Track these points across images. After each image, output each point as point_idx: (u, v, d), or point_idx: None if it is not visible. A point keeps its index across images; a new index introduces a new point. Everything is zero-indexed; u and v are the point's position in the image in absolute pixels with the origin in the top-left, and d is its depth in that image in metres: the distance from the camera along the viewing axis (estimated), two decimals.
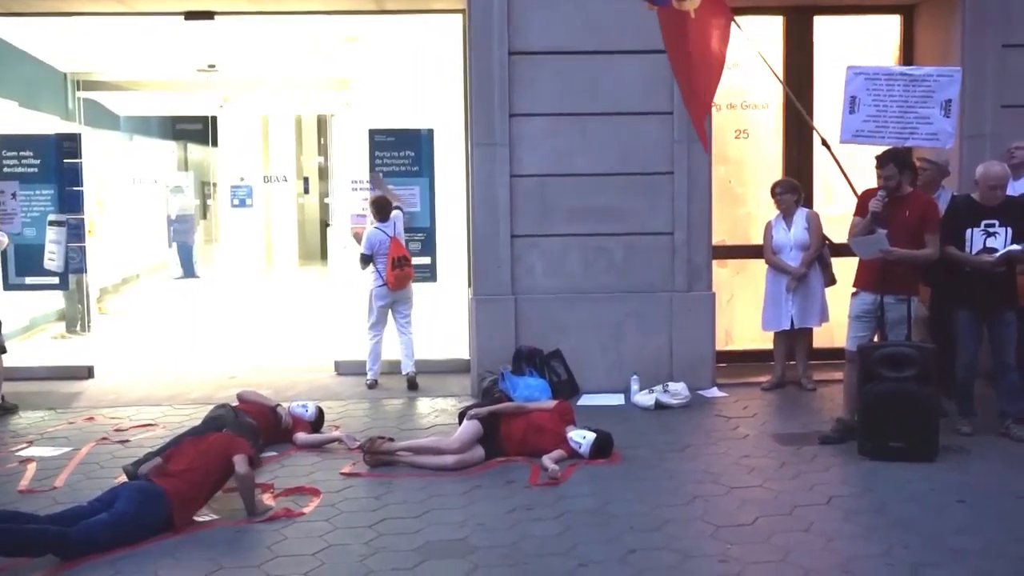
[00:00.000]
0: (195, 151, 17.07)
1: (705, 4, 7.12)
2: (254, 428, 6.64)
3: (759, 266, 8.64)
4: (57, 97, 11.85)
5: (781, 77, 8.13)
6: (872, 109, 7.09)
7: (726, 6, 7.14)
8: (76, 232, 9.28)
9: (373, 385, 8.60)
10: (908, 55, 9.10)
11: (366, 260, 8.57)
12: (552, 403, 6.92)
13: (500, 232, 8.27)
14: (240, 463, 5.43)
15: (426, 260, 9.04)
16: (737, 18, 7.23)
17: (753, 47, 7.47)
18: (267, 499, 5.68)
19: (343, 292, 10.97)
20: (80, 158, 9.32)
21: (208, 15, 8.80)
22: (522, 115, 8.25)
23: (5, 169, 9.02)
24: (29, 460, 6.62)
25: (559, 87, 8.22)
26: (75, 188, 9.26)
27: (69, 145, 9.33)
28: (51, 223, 9.11)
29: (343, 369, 9.19)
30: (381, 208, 8.57)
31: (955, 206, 7.01)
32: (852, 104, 7.17)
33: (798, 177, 8.67)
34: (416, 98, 10.43)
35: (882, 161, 6.72)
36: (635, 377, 8.01)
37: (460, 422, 6.68)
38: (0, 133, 9.18)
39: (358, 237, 8.95)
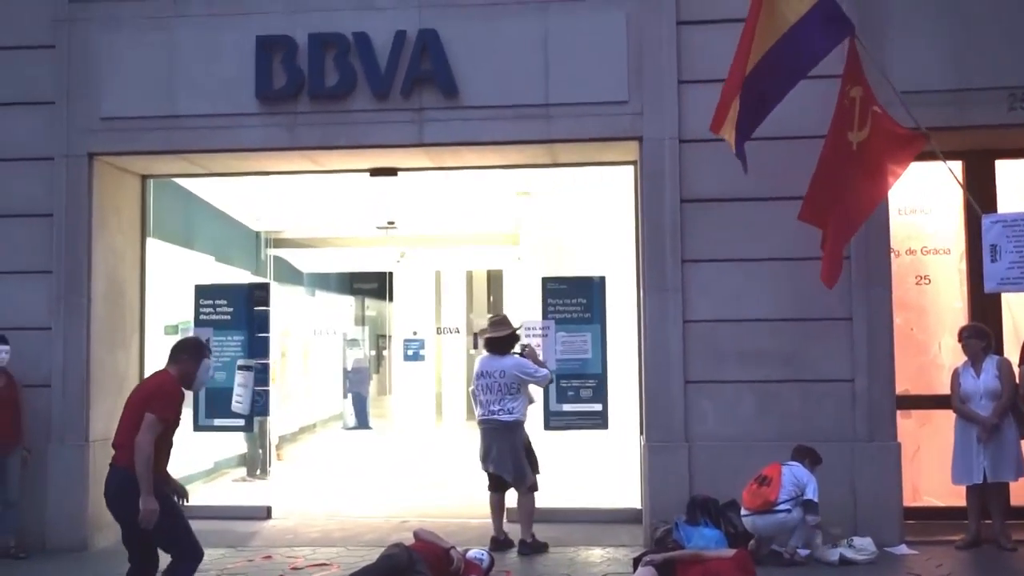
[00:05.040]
0: (371, 306, 17.81)
1: (874, 139, 7.14)
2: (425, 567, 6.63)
3: (946, 417, 8.22)
4: (249, 253, 12.66)
5: (963, 222, 7.94)
6: (1015, 255, 7.03)
7: (903, 139, 7.13)
8: (262, 377, 9.69)
9: None
10: None
11: None
12: (731, 552, 6.65)
13: (672, 378, 8.17)
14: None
15: (597, 407, 8.97)
16: (915, 164, 7.19)
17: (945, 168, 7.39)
18: None
19: None
20: (269, 306, 9.81)
21: (392, 171, 9.27)
22: (694, 261, 8.26)
23: (201, 316, 9.56)
24: None
25: (731, 233, 8.20)
26: (263, 335, 9.72)
27: (259, 294, 9.86)
28: (240, 367, 9.56)
29: (514, 517, 9.11)
30: None
31: None
32: (993, 252, 7.16)
33: (984, 323, 8.31)
34: (587, 246, 10.61)
35: None
36: (818, 530, 7.64)
37: (635, 568, 6.51)
38: (199, 284, 9.80)
39: None
